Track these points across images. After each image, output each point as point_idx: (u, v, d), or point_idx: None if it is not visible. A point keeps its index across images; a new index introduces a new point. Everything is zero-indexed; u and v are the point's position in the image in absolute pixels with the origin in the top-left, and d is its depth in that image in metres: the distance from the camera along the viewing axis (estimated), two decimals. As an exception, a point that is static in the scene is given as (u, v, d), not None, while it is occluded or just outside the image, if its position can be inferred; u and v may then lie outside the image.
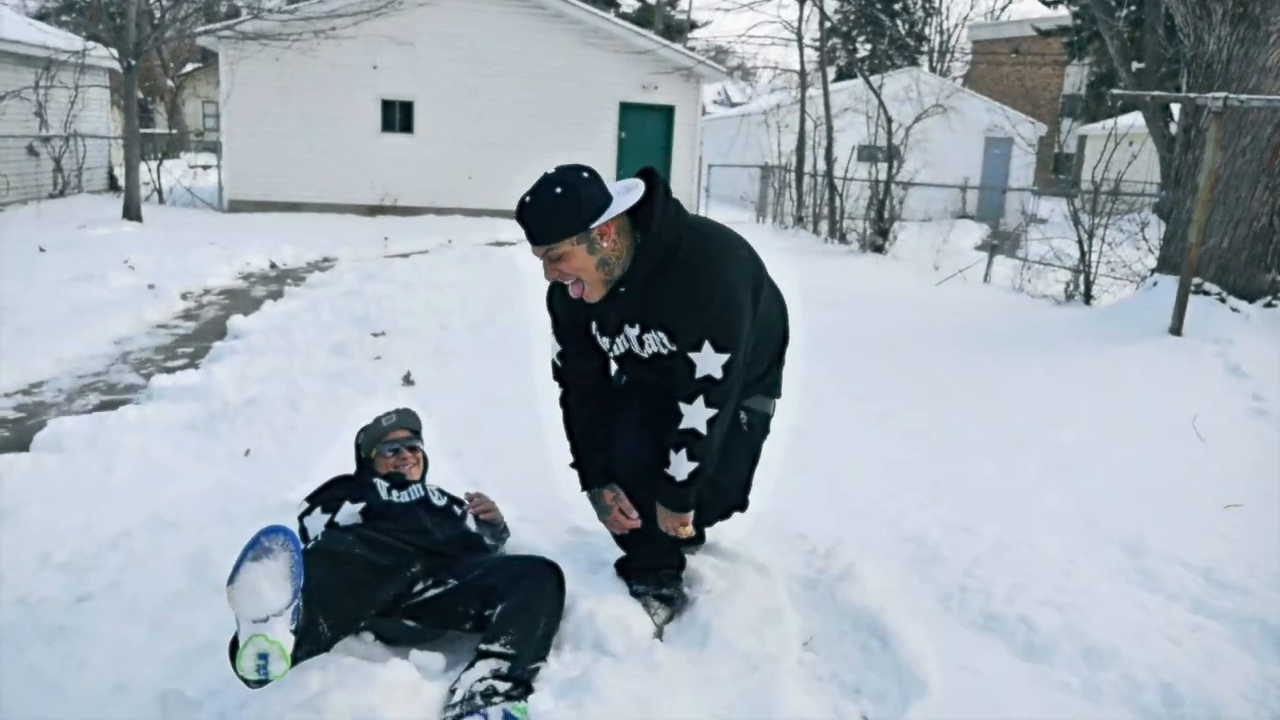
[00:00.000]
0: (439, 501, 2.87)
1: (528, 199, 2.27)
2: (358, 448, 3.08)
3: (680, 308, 2.33)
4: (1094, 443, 4.50)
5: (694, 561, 2.98)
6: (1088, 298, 8.97)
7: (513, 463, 3.83)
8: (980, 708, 2.29)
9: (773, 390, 2.74)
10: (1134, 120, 14.52)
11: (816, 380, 5.52)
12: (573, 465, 2.70)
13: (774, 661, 2.44)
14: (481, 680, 2.22)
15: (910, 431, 4.63)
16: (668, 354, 2.42)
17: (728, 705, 2.27)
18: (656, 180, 2.40)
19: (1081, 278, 9.14)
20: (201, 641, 2.32)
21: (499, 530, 3.02)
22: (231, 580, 1.84)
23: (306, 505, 2.78)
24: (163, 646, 2.34)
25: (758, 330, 2.47)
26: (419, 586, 2.46)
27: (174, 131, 21.55)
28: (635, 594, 2.71)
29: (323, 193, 16.16)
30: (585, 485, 2.68)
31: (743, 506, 2.82)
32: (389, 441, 3.01)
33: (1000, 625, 2.73)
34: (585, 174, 2.29)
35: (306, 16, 15.48)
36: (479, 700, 2.17)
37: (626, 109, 17.15)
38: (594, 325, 2.54)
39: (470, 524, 2.96)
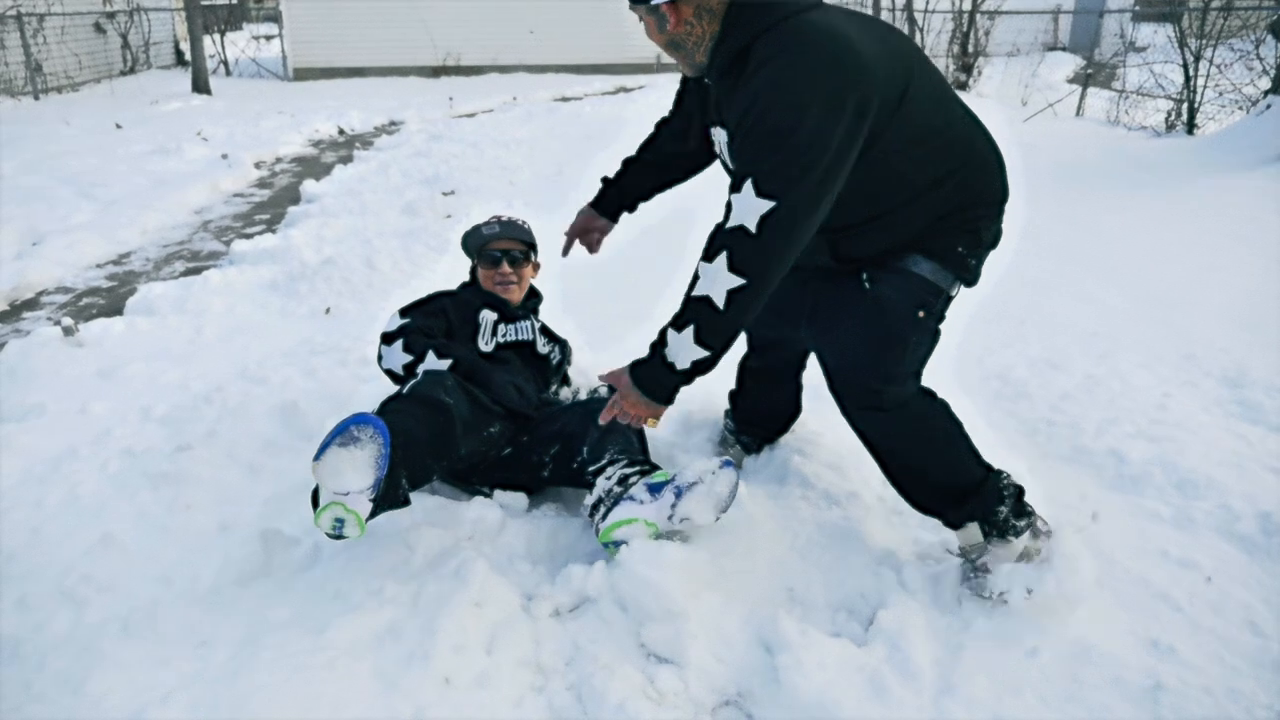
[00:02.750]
0: (544, 348, 2.78)
1: None
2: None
3: (736, 130, 1.82)
4: (1194, 275, 4.27)
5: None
6: (1191, 127, 8.38)
7: (585, 309, 3.81)
8: (1064, 536, 2.26)
9: (929, 245, 2.01)
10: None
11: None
12: (603, 179, 2.46)
13: (854, 498, 2.43)
14: (608, 479, 2.21)
15: (997, 269, 4.43)
16: None
17: (807, 537, 2.28)
18: None
19: (1185, 106, 8.51)
20: (296, 484, 2.41)
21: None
22: (317, 458, 1.84)
23: (398, 322, 2.60)
24: (261, 489, 2.44)
25: (882, 165, 1.85)
26: (493, 449, 2.41)
27: (234, 1, 21.27)
28: (724, 428, 2.72)
29: (385, 56, 15.91)
30: (593, 201, 2.47)
31: (882, 406, 2.07)
32: (488, 252, 2.79)
33: (1089, 458, 2.67)
34: None
35: None
36: (617, 488, 2.17)
37: (691, -52, 16.24)
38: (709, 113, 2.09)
39: (573, 389, 2.94)
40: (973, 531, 2.09)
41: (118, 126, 9.85)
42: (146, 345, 3.63)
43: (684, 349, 1.83)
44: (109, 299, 4.50)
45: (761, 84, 1.73)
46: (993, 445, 2.65)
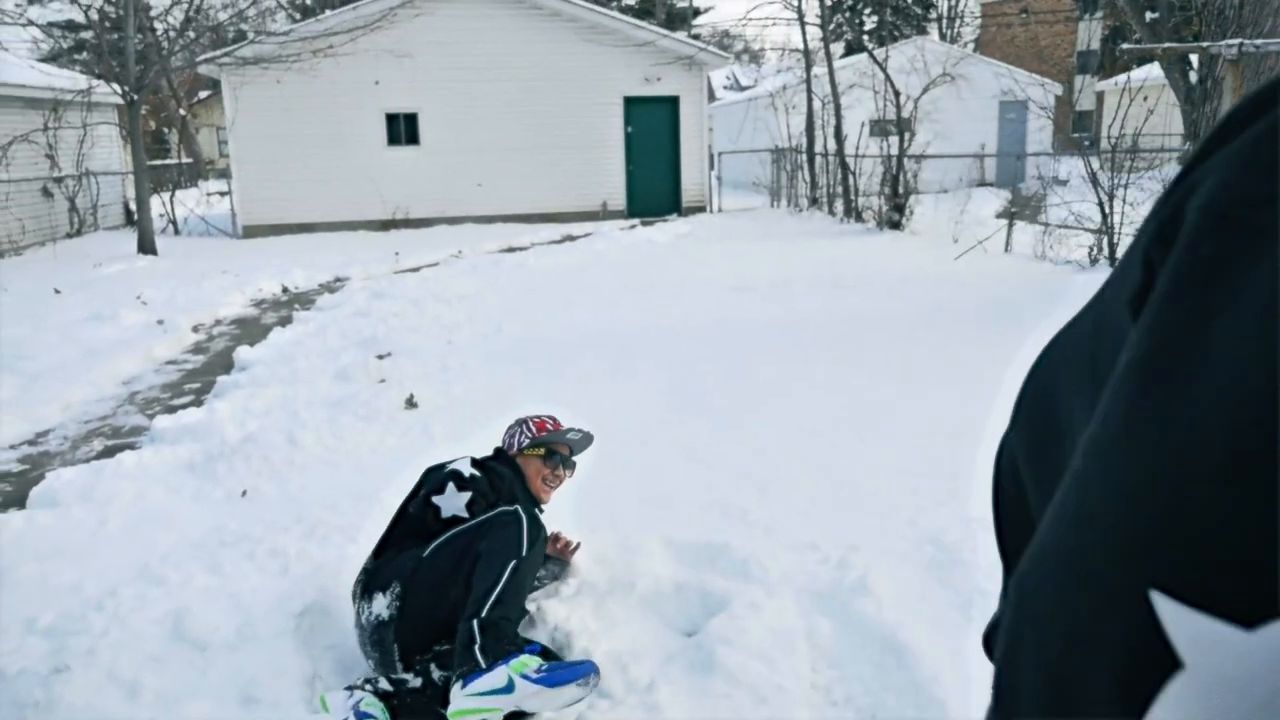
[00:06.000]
0: None
1: None
2: (513, 437, 2.91)
3: None
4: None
5: (694, 578, 2.85)
6: (1112, 260, 8.69)
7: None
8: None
9: None
10: (1148, 73, 14.11)
11: (831, 371, 5.34)
12: None
13: (781, 692, 2.30)
14: None
15: (930, 418, 4.45)
16: None
17: (732, 744, 2.13)
18: None
19: (1105, 240, 8.86)
20: (174, 710, 2.22)
21: (562, 568, 2.93)
22: (552, 683, 2.05)
23: (470, 472, 2.61)
24: (138, 715, 2.24)
25: None
26: None
27: (185, 161, 21.70)
28: None
29: (334, 212, 16.17)
30: None
31: None
32: (560, 454, 2.87)
33: (1025, 632, 2.57)
34: None
35: (303, 37, 15.45)
36: None
37: (631, 103, 16.97)
38: None
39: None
40: None
41: (56, 292, 9.77)
42: (43, 542, 3.43)
43: None
44: (16, 486, 4.30)
45: None
46: (923, 624, 2.55)
